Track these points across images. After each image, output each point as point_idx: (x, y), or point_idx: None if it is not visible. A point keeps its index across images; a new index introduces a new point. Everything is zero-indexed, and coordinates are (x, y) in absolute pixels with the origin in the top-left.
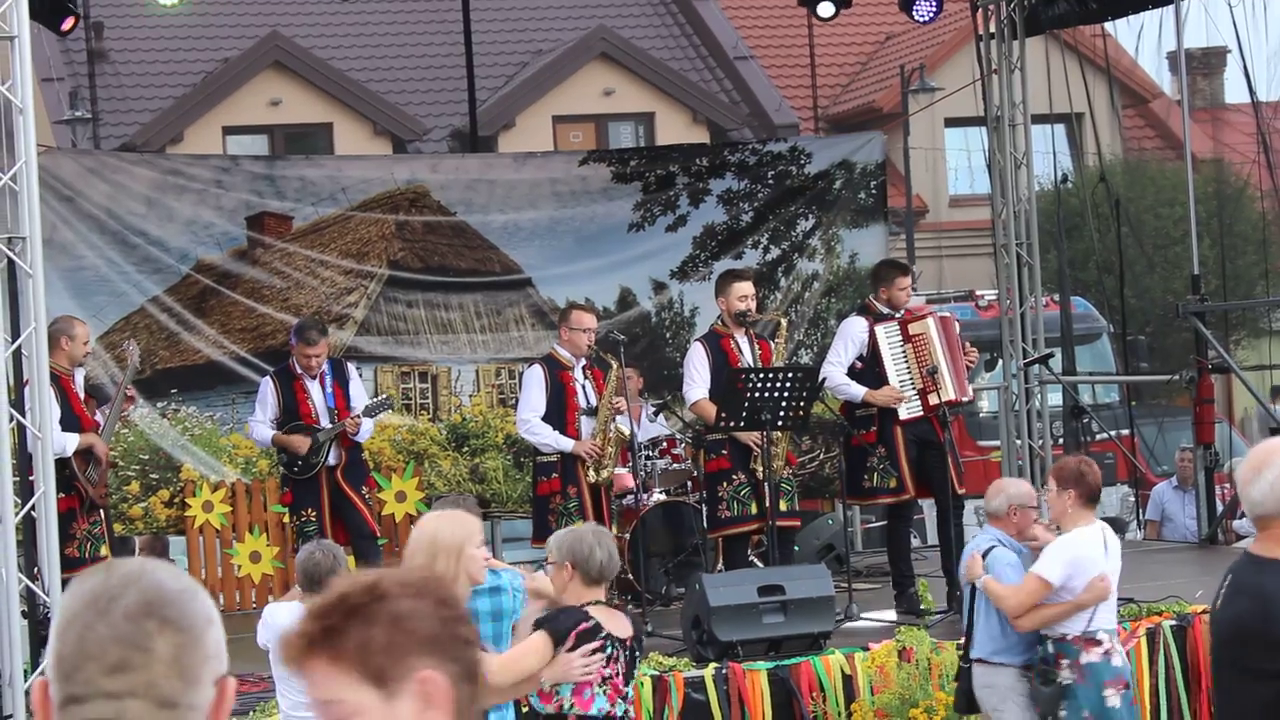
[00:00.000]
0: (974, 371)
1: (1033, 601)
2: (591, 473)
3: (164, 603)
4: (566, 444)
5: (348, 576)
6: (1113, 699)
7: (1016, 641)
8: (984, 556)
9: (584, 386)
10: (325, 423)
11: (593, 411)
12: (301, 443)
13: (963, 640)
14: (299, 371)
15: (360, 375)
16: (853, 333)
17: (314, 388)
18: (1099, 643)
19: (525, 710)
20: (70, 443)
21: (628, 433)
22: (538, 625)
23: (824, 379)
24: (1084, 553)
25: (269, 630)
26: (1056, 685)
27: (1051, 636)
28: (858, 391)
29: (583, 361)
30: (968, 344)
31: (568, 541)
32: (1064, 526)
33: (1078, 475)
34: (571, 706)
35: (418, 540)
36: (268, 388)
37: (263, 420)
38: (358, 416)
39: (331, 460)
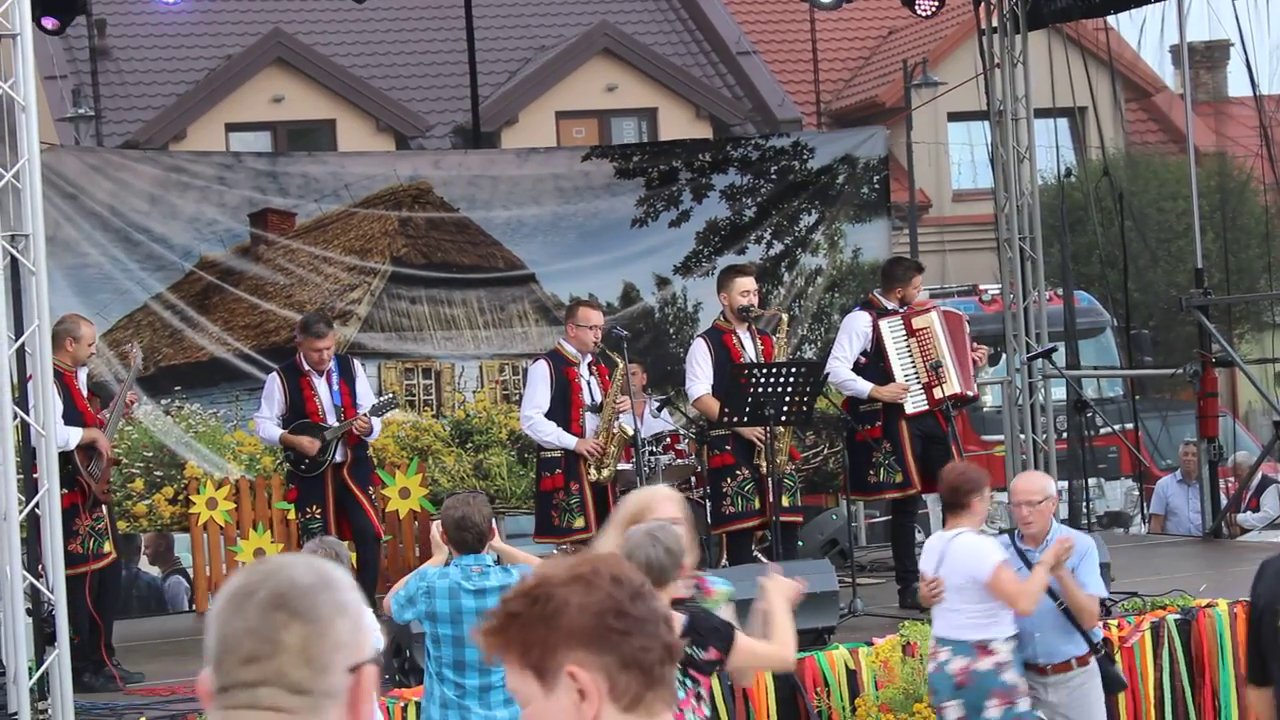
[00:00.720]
0: (980, 370)
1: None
2: (593, 471)
3: (294, 596)
4: (569, 441)
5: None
6: None
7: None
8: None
9: (589, 383)
10: (332, 420)
11: (597, 408)
12: (310, 444)
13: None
14: (306, 368)
15: (365, 372)
16: (856, 327)
17: (321, 385)
18: (990, 651)
19: None
20: (74, 436)
21: (631, 431)
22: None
23: (828, 374)
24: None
25: None
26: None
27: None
28: (863, 387)
29: (588, 358)
30: (975, 343)
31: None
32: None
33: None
34: None
35: None
36: (274, 384)
37: (269, 417)
38: (367, 417)
39: (338, 458)
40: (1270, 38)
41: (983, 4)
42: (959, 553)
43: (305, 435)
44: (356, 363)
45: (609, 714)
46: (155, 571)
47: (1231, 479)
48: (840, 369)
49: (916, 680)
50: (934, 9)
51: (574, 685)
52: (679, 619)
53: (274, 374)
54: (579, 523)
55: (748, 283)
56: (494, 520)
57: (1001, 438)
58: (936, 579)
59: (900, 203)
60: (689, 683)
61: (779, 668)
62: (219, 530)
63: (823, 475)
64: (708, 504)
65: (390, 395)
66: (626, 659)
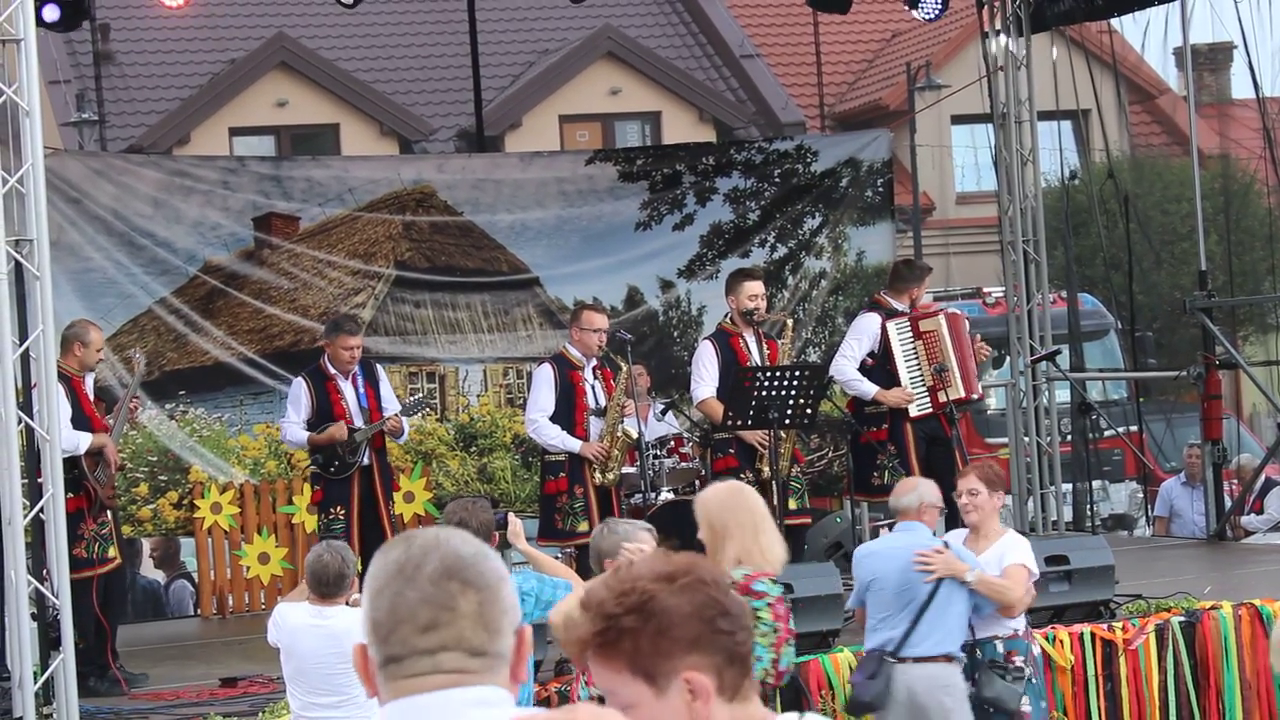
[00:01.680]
0: (983, 368)
1: (1027, 591)
2: (598, 474)
3: (462, 566)
4: (574, 445)
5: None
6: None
7: (962, 639)
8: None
9: (593, 387)
10: (359, 423)
11: (601, 412)
12: (340, 431)
13: (898, 635)
14: (332, 372)
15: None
16: (865, 328)
17: (347, 388)
18: (1034, 637)
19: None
20: (83, 441)
21: (635, 434)
22: None
23: (830, 377)
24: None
25: (279, 630)
26: (1025, 679)
27: (1000, 635)
28: (869, 389)
29: (593, 362)
30: (979, 337)
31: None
32: (987, 527)
33: (1004, 481)
34: None
35: None
36: (301, 388)
37: (296, 421)
38: (398, 415)
39: (365, 461)
40: (1273, 40)
41: (986, 7)
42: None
43: (335, 427)
44: (379, 367)
45: (717, 709)
46: (160, 576)
47: (1235, 481)
48: (847, 368)
49: None
50: (937, 12)
51: (688, 690)
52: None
53: (300, 379)
54: (583, 526)
55: (755, 286)
56: (517, 522)
57: (1006, 440)
58: None
59: (904, 205)
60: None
61: None
62: (223, 534)
63: (827, 478)
64: None
65: (420, 396)
66: (731, 655)
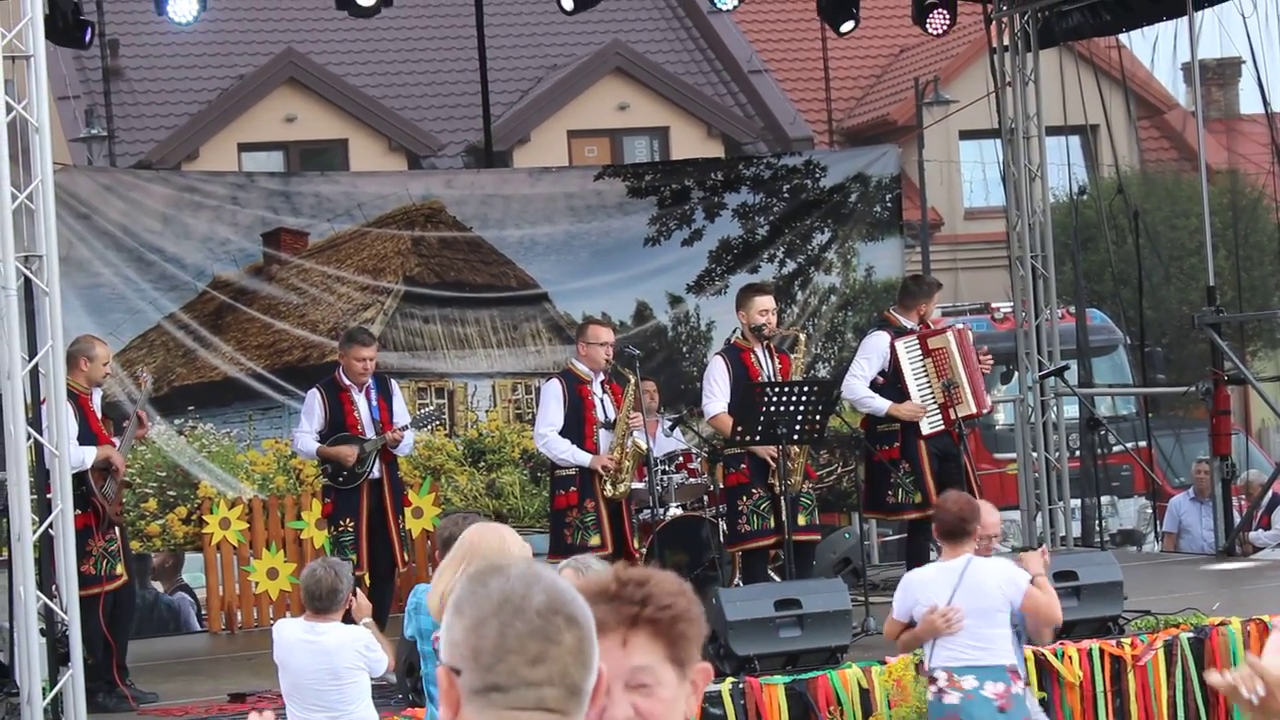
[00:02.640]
0: (990, 380)
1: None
2: (609, 487)
3: (564, 601)
4: (584, 458)
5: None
6: None
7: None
8: None
9: (602, 401)
10: (371, 434)
11: (610, 425)
12: (349, 453)
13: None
14: (346, 383)
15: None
16: (876, 347)
17: (360, 400)
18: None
19: None
20: (89, 455)
21: (644, 447)
22: None
23: (839, 393)
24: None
25: (277, 645)
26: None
27: None
28: (880, 405)
29: (601, 376)
30: (985, 349)
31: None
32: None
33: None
34: None
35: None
36: (315, 399)
37: (309, 431)
38: (401, 429)
39: (374, 473)
40: None
41: (994, 22)
42: (983, 577)
43: (344, 446)
44: (394, 382)
45: None
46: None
47: (1244, 497)
48: (858, 386)
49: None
50: (945, 27)
51: (697, 679)
52: None
53: (314, 390)
54: (594, 540)
55: (766, 301)
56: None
57: (1014, 456)
58: (953, 607)
59: (912, 221)
60: None
61: None
62: (232, 550)
63: (837, 494)
64: (723, 523)
65: (433, 407)
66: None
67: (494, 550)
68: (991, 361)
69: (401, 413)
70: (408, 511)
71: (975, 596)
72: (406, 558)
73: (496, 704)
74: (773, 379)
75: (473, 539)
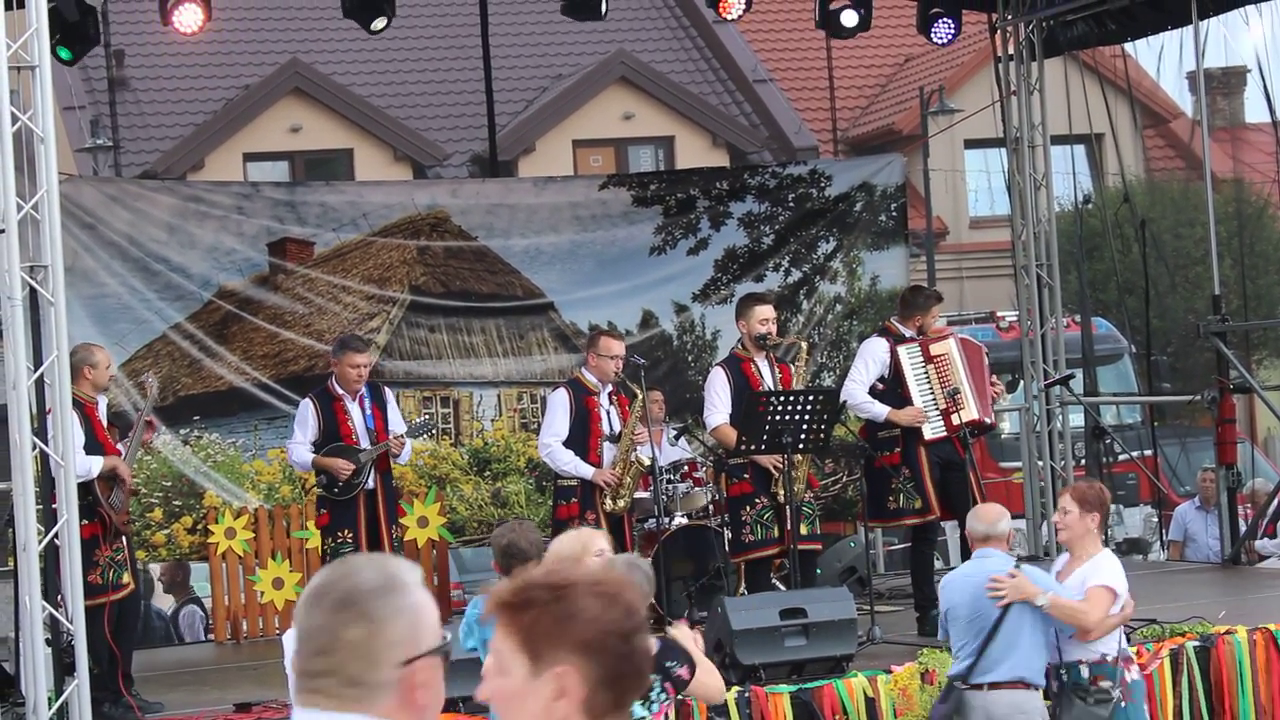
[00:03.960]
0: (997, 399)
1: (1108, 612)
2: (609, 501)
3: (360, 597)
4: (586, 471)
5: (555, 564)
6: (1145, 714)
7: (1044, 664)
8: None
9: (608, 412)
10: (365, 444)
11: (616, 438)
12: (345, 467)
13: (968, 663)
14: (339, 392)
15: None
16: (874, 353)
17: (354, 409)
18: (1132, 660)
19: None
20: (95, 465)
21: (648, 462)
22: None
23: (844, 401)
24: (1122, 571)
25: (284, 655)
26: (1113, 705)
27: (1086, 659)
28: (880, 410)
29: (608, 387)
30: (995, 377)
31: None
32: (1080, 548)
33: (1101, 500)
34: None
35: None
36: (308, 409)
37: (302, 442)
38: (402, 436)
39: (370, 485)
40: None
41: (999, 31)
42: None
43: (339, 457)
44: (388, 390)
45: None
46: (170, 600)
47: (1249, 506)
48: (857, 391)
49: None
50: (950, 36)
51: (558, 683)
52: (653, 641)
53: (307, 399)
54: None
55: (766, 311)
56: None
57: (1019, 465)
58: None
59: (917, 230)
60: (664, 696)
61: (714, 697)
62: (237, 560)
63: (841, 503)
64: (726, 532)
65: (426, 417)
66: (611, 680)
67: (570, 557)
68: (1002, 388)
69: (397, 421)
70: (413, 520)
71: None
72: None
73: (296, 689)
74: (774, 388)
75: (554, 547)
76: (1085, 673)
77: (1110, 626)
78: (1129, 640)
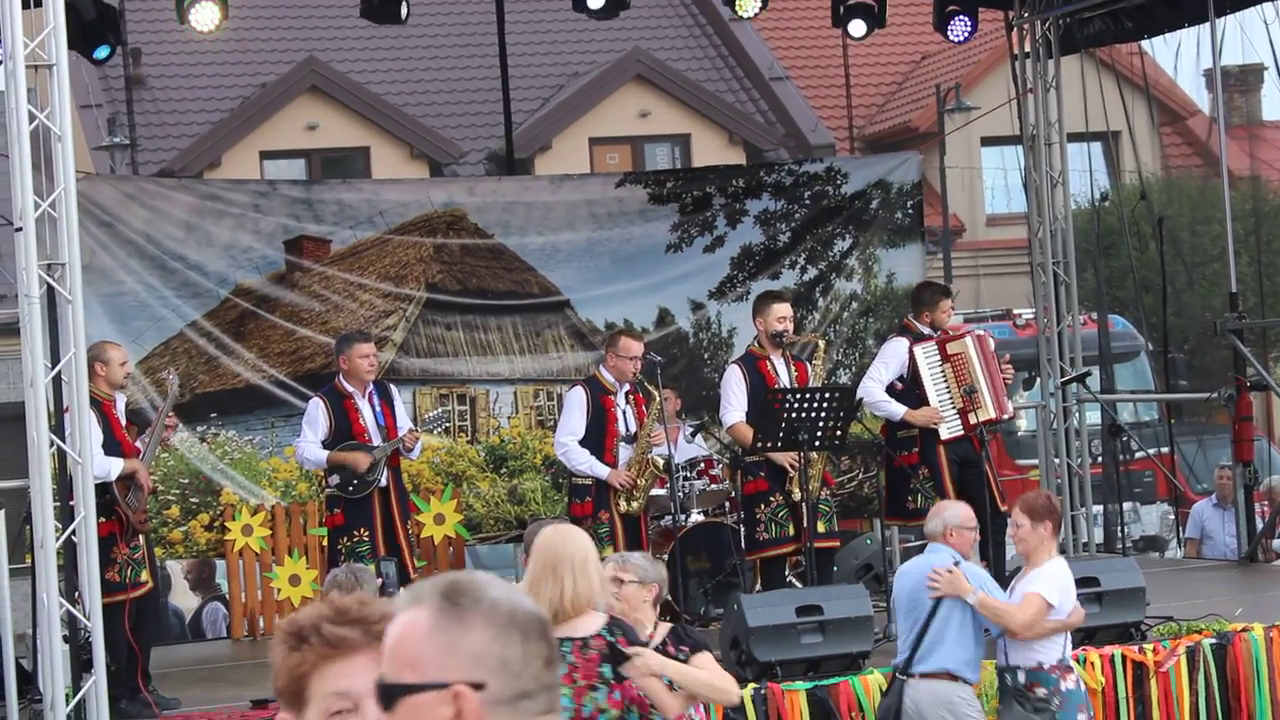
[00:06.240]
0: (1011, 389)
1: (1039, 619)
2: (623, 502)
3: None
4: (601, 471)
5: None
6: None
7: (977, 660)
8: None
9: (625, 412)
10: (378, 440)
11: (632, 438)
12: (363, 459)
13: (907, 655)
14: (349, 390)
15: (400, 398)
16: (894, 353)
17: (364, 406)
18: (1071, 670)
19: None
20: (115, 467)
21: (663, 464)
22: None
23: (861, 399)
24: (1069, 580)
25: None
26: (1049, 713)
27: (1024, 665)
28: (897, 410)
29: (626, 387)
30: (1006, 357)
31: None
32: (1036, 557)
33: (1050, 509)
34: None
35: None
36: (318, 408)
37: (313, 440)
38: (415, 429)
39: (383, 482)
40: None
41: (1015, 29)
42: None
43: (355, 452)
44: (394, 388)
45: None
46: (194, 598)
47: (1266, 503)
48: (874, 390)
49: None
50: (967, 34)
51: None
52: (664, 628)
53: (317, 398)
54: (608, 552)
55: (783, 309)
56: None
57: (1036, 462)
58: None
59: (934, 227)
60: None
61: (729, 700)
62: (254, 557)
63: (857, 500)
64: (742, 530)
65: (439, 411)
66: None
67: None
68: (1013, 371)
69: (404, 418)
70: (429, 518)
71: None
72: (416, 565)
73: (526, 711)
74: (790, 386)
75: (539, 543)
76: (1021, 678)
77: (1045, 631)
78: (1145, 637)
